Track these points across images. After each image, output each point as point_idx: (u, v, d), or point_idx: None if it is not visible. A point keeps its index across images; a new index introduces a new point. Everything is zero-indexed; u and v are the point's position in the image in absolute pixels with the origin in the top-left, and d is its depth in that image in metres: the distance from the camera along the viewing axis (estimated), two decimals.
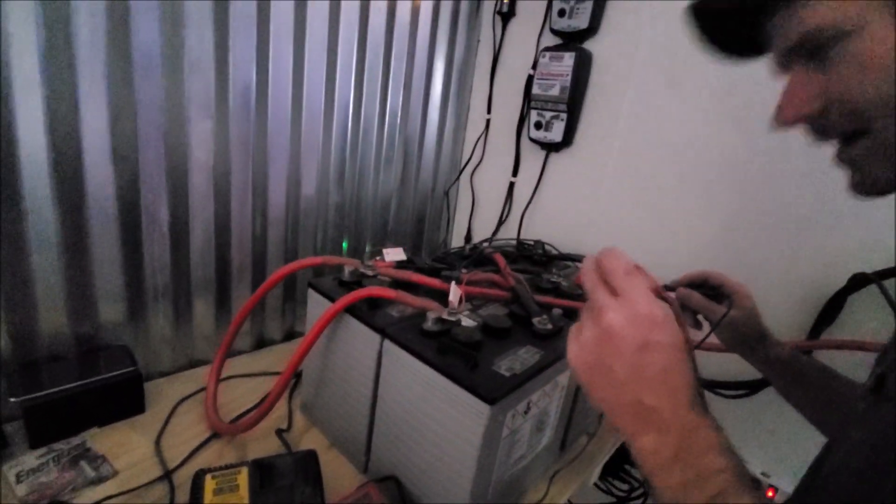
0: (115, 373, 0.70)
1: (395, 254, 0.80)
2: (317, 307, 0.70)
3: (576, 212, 1.09)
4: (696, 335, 0.57)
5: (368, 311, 0.66)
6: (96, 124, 0.67)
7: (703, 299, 0.66)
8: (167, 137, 0.75)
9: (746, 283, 0.86)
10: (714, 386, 0.89)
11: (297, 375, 0.85)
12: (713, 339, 0.60)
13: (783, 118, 0.37)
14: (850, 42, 0.32)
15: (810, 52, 0.34)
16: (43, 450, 0.62)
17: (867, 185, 0.35)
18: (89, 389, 0.67)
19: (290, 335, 1.04)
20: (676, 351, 0.34)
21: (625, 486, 0.97)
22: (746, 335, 0.65)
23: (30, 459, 0.60)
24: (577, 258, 1.00)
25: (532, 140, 1.11)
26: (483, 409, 0.51)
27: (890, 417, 0.31)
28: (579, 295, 0.80)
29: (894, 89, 0.30)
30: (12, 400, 0.61)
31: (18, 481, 0.57)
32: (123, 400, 0.72)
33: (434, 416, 0.57)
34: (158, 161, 0.74)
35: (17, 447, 0.62)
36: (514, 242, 1.07)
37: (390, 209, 1.19)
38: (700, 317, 0.68)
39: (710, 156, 0.89)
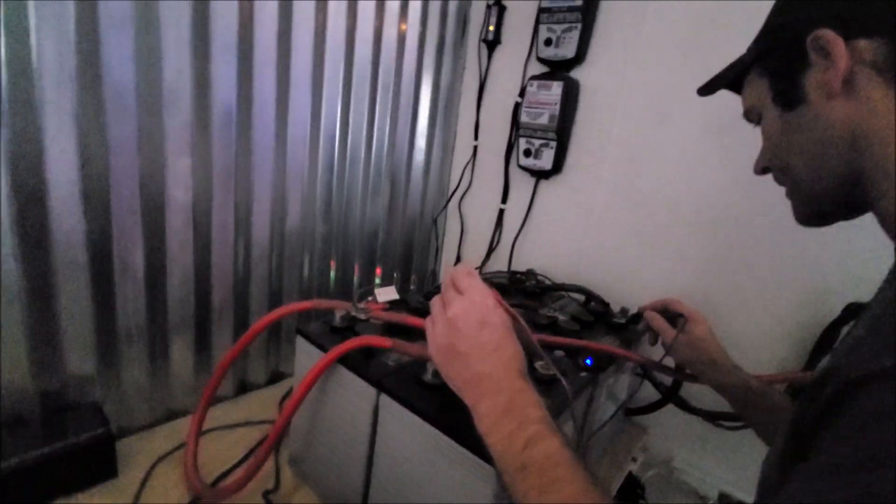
0: (83, 436, 0.64)
1: (387, 293, 0.76)
2: (306, 356, 0.66)
3: (567, 239, 1.08)
4: (656, 354, 0.73)
5: (362, 361, 0.62)
6: (64, 167, 0.62)
7: (662, 321, 0.73)
8: (142, 178, 0.70)
9: (738, 313, 0.87)
10: (714, 417, 0.87)
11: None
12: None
13: (754, 168, 0.50)
14: (763, 118, 0.46)
15: (756, 122, 0.48)
16: None
17: (797, 216, 0.47)
18: (55, 456, 0.61)
19: (274, 377, 0.99)
20: (506, 330, 0.44)
21: None
22: (697, 358, 0.69)
23: None
24: (571, 288, 0.98)
25: (521, 167, 1.10)
26: (491, 472, 0.48)
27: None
28: (577, 331, 0.78)
29: (784, 155, 0.45)
30: None
31: None
32: (93, 465, 0.65)
33: (438, 478, 0.53)
34: (133, 203, 0.70)
35: None
36: (506, 272, 1.05)
37: (378, 238, 1.16)
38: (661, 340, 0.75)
39: (700, 186, 0.89)
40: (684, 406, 0.87)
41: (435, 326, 0.46)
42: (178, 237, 0.76)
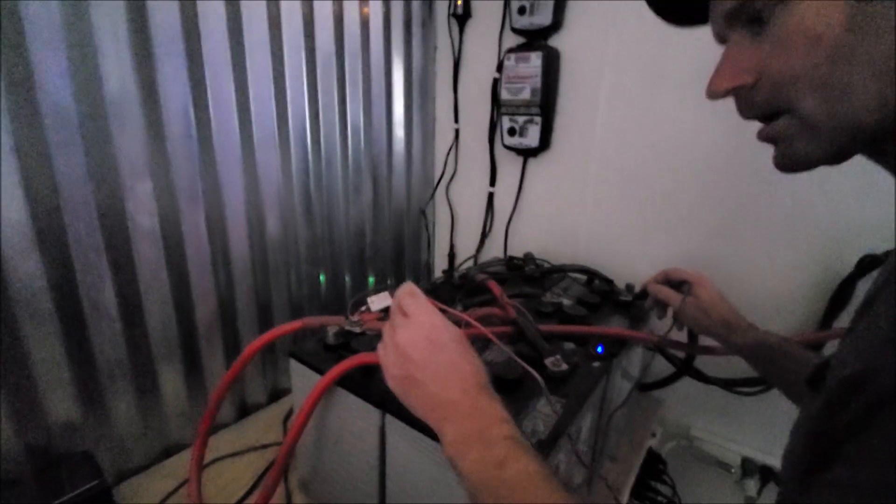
0: (78, 491, 0.60)
1: (381, 300, 0.72)
2: (302, 379, 0.62)
3: (562, 218, 1.03)
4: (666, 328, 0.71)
5: (362, 380, 0.58)
6: (12, 208, 0.57)
7: (668, 290, 0.71)
8: (100, 208, 0.64)
9: (749, 275, 0.83)
10: (732, 385, 0.85)
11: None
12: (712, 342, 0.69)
13: (713, 89, 0.36)
14: (786, 10, 0.30)
15: (748, 18, 0.33)
16: None
17: (789, 160, 0.35)
18: None
19: (275, 395, 0.95)
20: (459, 345, 0.41)
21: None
22: (709, 322, 0.66)
23: None
24: (572, 268, 0.94)
25: (507, 147, 1.04)
26: None
27: (816, 413, 0.32)
28: (584, 316, 0.75)
29: (825, 66, 0.29)
30: None
31: None
32: None
33: (453, 496, 0.50)
34: (93, 238, 0.64)
35: None
36: (503, 259, 1.01)
37: (366, 236, 1.11)
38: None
39: (698, 147, 0.84)
40: (700, 377, 0.85)
41: (387, 356, 0.43)
42: (149, 266, 0.71)
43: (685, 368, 0.84)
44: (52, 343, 0.63)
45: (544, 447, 0.49)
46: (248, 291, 0.87)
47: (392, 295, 0.68)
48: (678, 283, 0.73)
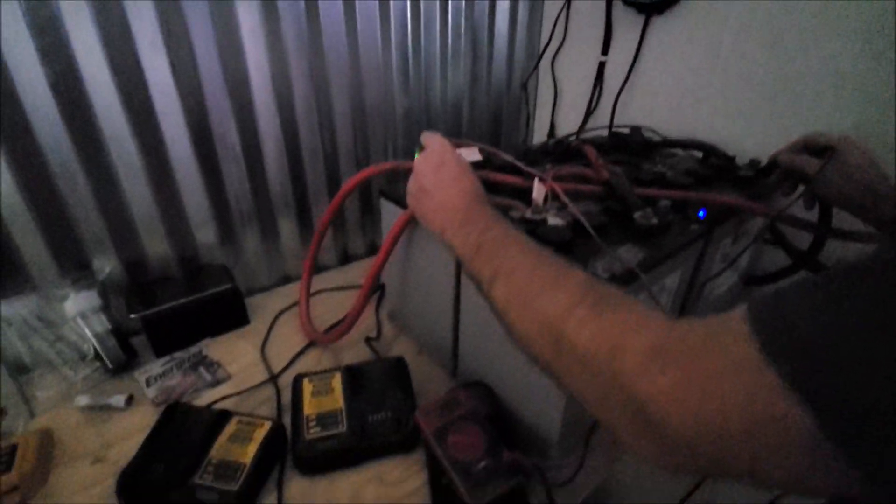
0: (217, 289, 0.74)
1: (469, 154, 0.72)
2: (390, 216, 0.66)
3: (682, 90, 0.90)
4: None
5: None
6: (153, 55, 0.65)
7: (804, 157, 0.63)
8: (222, 54, 0.71)
9: None
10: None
11: (383, 287, 0.86)
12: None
13: None
14: None
15: None
16: (166, 358, 0.70)
17: None
18: (195, 303, 0.72)
19: (372, 249, 1.04)
20: (461, 167, 0.49)
21: None
22: (852, 190, 0.57)
23: (156, 367, 0.67)
24: (686, 143, 0.84)
25: (627, 3, 0.91)
26: None
27: None
28: (690, 185, 0.68)
29: None
30: (132, 316, 0.67)
31: (148, 385, 0.64)
32: (228, 313, 0.77)
33: None
34: (220, 85, 0.72)
35: (145, 357, 0.70)
36: (605, 133, 0.93)
37: (462, 111, 1.09)
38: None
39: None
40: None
41: (409, 180, 0.52)
42: (266, 115, 0.78)
43: (806, 259, 0.73)
44: (192, 169, 0.74)
45: (620, 281, 0.48)
46: (349, 155, 0.93)
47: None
48: (819, 151, 0.62)
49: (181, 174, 0.74)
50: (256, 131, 0.79)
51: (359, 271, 0.96)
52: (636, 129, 0.91)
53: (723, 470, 0.24)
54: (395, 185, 0.69)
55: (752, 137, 0.83)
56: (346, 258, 1.01)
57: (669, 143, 0.85)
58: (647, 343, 0.27)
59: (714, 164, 0.77)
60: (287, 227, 0.90)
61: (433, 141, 0.52)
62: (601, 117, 1.04)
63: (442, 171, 0.49)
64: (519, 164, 0.64)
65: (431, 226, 0.48)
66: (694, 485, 0.62)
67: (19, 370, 0.67)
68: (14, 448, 0.52)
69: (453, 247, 0.45)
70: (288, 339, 0.76)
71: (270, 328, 0.78)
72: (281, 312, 0.82)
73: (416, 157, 0.53)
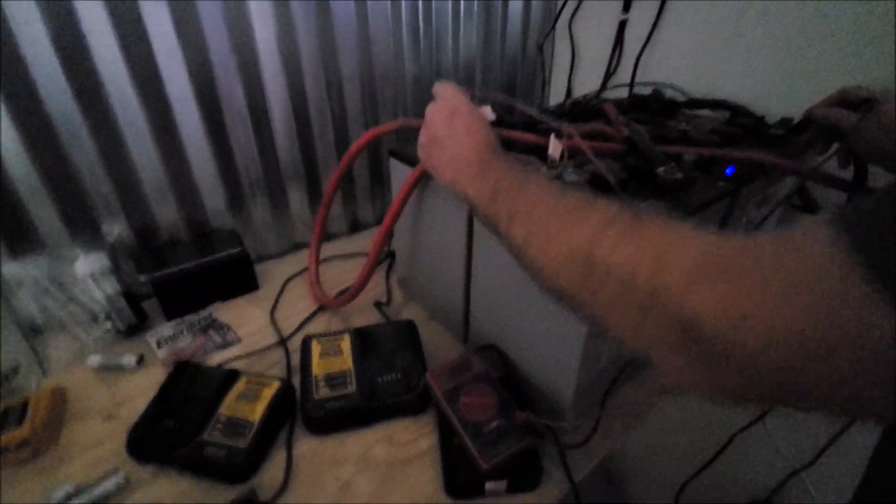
0: (226, 252, 0.73)
1: (482, 113, 0.69)
2: (399, 175, 0.64)
3: (709, 46, 0.85)
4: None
5: None
6: (154, 7, 0.63)
7: (839, 111, 0.59)
8: (228, 17, 0.69)
9: None
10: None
11: (393, 254, 0.84)
12: None
13: None
14: None
15: None
16: (177, 321, 0.69)
17: None
18: (205, 266, 0.71)
19: (382, 217, 1.02)
20: (475, 117, 0.46)
21: None
22: (890, 143, 0.53)
23: (166, 329, 0.67)
24: (711, 103, 0.80)
25: None
26: None
27: None
28: (716, 144, 0.64)
29: None
30: (142, 278, 0.67)
31: (159, 346, 0.64)
32: (238, 277, 0.76)
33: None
34: (224, 41, 0.70)
35: (155, 320, 0.70)
36: (627, 94, 0.89)
37: (475, 76, 1.05)
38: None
39: None
40: None
41: (421, 132, 0.50)
42: (271, 74, 0.76)
43: None
44: (198, 130, 0.73)
45: None
46: (358, 121, 0.90)
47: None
48: (856, 104, 0.58)
49: (187, 135, 0.72)
50: (263, 92, 0.77)
51: (367, 240, 0.94)
52: (657, 90, 0.86)
53: (791, 393, 0.22)
54: (404, 145, 0.66)
55: (783, 97, 0.78)
56: (355, 226, 0.99)
57: (694, 104, 0.81)
58: (698, 254, 0.24)
59: (742, 124, 0.73)
60: (296, 195, 0.89)
61: (446, 90, 0.49)
62: (621, 80, 0.99)
63: (455, 120, 0.46)
64: (538, 114, 0.61)
65: (444, 178, 0.46)
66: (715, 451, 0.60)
67: (33, 331, 0.67)
68: (26, 404, 0.52)
69: (467, 196, 0.42)
70: (297, 304, 0.75)
71: (280, 293, 0.78)
72: (290, 278, 0.81)
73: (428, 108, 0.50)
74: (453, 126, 0.46)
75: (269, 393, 0.53)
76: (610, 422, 0.56)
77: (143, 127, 0.68)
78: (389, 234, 0.62)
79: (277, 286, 0.79)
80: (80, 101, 0.62)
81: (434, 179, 0.49)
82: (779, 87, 0.78)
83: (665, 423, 1.13)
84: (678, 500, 0.87)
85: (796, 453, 0.90)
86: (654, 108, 0.80)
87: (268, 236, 0.88)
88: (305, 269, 0.81)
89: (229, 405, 0.52)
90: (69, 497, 0.46)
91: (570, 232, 0.31)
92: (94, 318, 0.66)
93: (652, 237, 0.27)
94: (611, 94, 0.99)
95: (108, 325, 0.66)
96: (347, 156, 0.69)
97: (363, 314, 0.73)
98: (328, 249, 0.89)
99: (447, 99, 0.48)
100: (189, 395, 0.53)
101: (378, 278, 0.81)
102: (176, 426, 0.50)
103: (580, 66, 1.07)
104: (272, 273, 0.83)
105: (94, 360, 0.62)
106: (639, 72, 0.95)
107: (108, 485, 0.47)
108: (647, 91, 0.87)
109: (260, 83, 0.76)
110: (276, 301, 0.76)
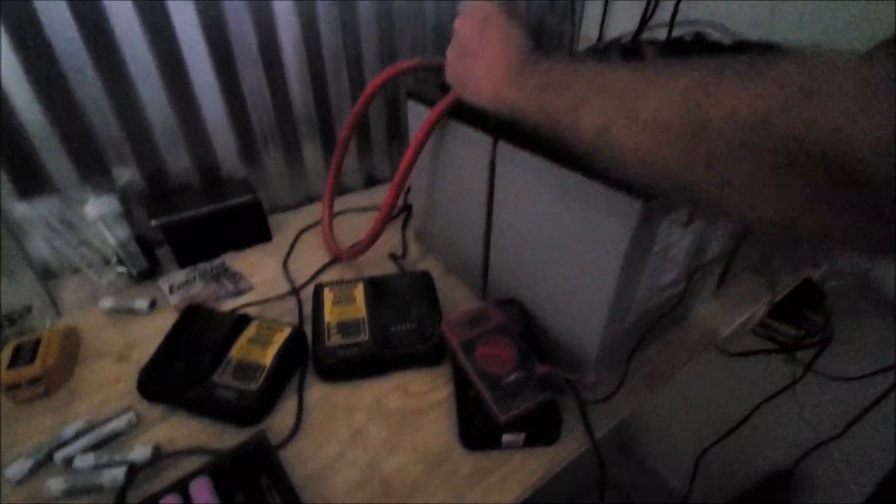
0: (238, 199, 0.71)
1: None
2: (417, 118, 0.60)
3: None
4: None
5: (478, 111, 0.53)
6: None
7: None
8: None
9: None
10: None
11: (409, 207, 0.81)
12: None
13: None
14: None
15: None
16: (189, 268, 0.68)
17: None
18: (217, 213, 0.69)
19: None
20: (510, 23, 0.41)
21: (793, 332, 0.81)
22: None
23: (179, 276, 0.66)
24: (764, 45, 0.72)
25: None
26: (633, 206, 0.39)
27: None
28: None
29: None
30: (153, 223, 0.65)
31: (171, 292, 0.63)
32: (250, 226, 0.74)
33: (563, 227, 0.46)
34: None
35: (168, 267, 0.69)
36: (665, 37, 0.81)
37: None
38: None
39: None
40: None
41: (449, 49, 0.46)
42: (283, 13, 0.71)
43: None
44: (207, 70, 0.69)
45: None
46: (375, 71, 0.85)
47: None
48: None
49: (196, 75, 0.69)
50: (275, 31, 0.72)
51: (383, 194, 0.90)
52: (699, 34, 0.79)
53: None
54: (423, 86, 0.62)
55: (847, 40, 0.70)
56: (370, 181, 0.96)
57: (743, 46, 0.73)
58: (852, 81, 0.20)
59: None
60: (310, 144, 0.85)
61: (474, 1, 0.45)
62: (662, 17, 0.91)
63: (488, 28, 0.42)
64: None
65: (481, 91, 0.42)
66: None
67: (47, 274, 0.67)
68: (38, 342, 0.51)
69: (512, 103, 0.38)
70: (310, 255, 0.73)
71: (293, 245, 0.75)
72: (304, 230, 0.79)
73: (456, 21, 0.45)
74: (487, 33, 0.42)
75: (280, 338, 0.52)
76: (634, 381, 0.53)
77: (149, 64, 0.64)
78: (406, 177, 0.59)
79: (290, 237, 0.77)
80: (83, 34, 0.59)
81: (466, 100, 0.45)
82: (843, 30, 0.70)
83: (689, 388, 1.11)
84: (698, 466, 0.86)
85: (825, 425, 0.87)
86: (698, 52, 0.73)
87: (281, 187, 0.86)
88: (319, 222, 0.79)
89: (240, 349, 0.51)
90: (80, 433, 0.46)
91: (662, 97, 0.26)
92: (107, 262, 0.65)
93: (780, 75, 0.22)
94: (653, 28, 0.91)
95: (121, 269, 0.65)
96: (364, 95, 0.65)
97: (378, 266, 0.71)
98: (343, 203, 0.86)
99: (477, 7, 0.44)
100: (200, 339, 0.52)
101: (394, 231, 0.79)
102: (187, 368, 0.49)
103: (613, 11, 0.99)
104: (285, 224, 0.81)
105: (107, 302, 0.61)
106: (680, 14, 0.87)
107: (119, 423, 0.46)
108: (689, 33, 0.80)
109: (272, 23, 0.71)
110: (289, 252, 0.74)
